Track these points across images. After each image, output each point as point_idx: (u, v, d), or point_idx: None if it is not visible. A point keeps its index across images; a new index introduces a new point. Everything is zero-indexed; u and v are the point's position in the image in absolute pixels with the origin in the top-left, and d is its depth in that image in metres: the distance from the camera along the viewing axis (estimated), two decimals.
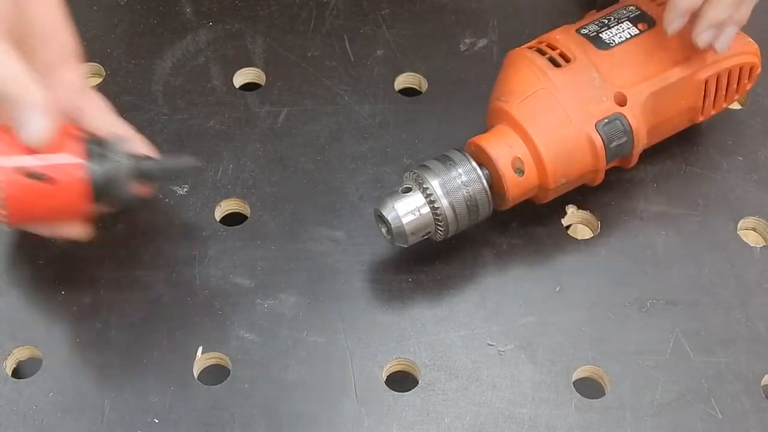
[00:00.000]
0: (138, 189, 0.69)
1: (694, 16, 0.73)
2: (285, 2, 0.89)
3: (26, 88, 0.65)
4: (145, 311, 0.72)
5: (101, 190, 0.67)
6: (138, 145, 0.70)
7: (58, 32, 0.71)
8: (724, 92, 0.77)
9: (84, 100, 0.72)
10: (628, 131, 0.73)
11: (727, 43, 0.75)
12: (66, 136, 0.66)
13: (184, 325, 0.71)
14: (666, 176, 0.79)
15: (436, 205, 0.70)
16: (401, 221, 0.70)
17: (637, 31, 0.76)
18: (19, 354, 0.70)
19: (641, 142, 0.74)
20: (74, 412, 0.68)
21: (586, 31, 0.76)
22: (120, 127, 0.72)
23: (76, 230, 0.70)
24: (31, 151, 0.65)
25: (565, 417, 0.68)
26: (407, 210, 0.70)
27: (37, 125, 0.65)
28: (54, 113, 0.65)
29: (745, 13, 0.74)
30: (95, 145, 0.67)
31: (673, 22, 0.73)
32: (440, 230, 0.71)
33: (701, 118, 0.78)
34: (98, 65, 0.85)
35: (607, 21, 0.76)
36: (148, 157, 0.70)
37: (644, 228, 0.77)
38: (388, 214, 0.70)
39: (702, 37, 0.74)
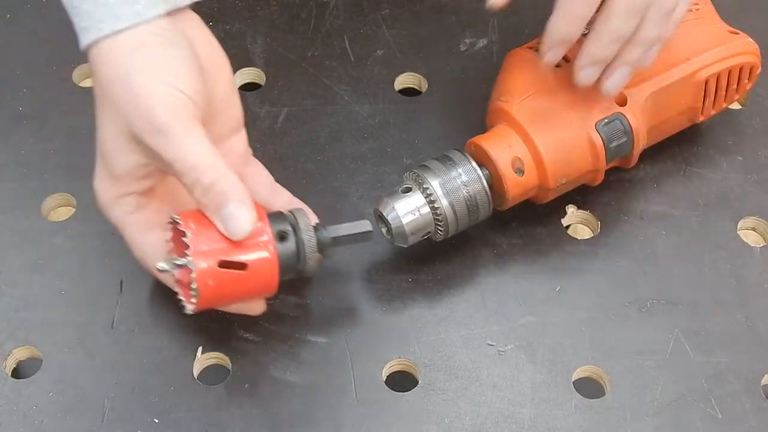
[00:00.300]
0: (317, 258, 0.68)
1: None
2: (285, 2, 0.89)
3: (232, 181, 0.64)
4: (146, 311, 0.72)
5: (288, 269, 0.67)
6: (305, 211, 0.70)
7: (231, 103, 0.71)
8: (724, 92, 0.77)
9: (248, 168, 0.72)
10: (628, 131, 0.73)
11: (616, 87, 0.71)
12: None
13: (184, 325, 0.71)
14: (666, 176, 0.79)
15: (436, 205, 0.70)
16: (401, 221, 0.70)
17: None
18: (19, 354, 0.70)
19: (641, 142, 0.74)
20: (74, 412, 0.68)
21: (586, 31, 0.76)
22: (280, 193, 0.73)
23: (256, 307, 0.70)
24: (222, 237, 0.65)
25: (565, 417, 0.68)
26: (407, 210, 0.70)
27: (243, 220, 0.64)
28: (252, 204, 0.65)
29: (640, 54, 0.70)
30: (278, 223, 0.67)
31: (547, 52, 0.70)
32: (440, 230, 0.71)
33: (701, 118, 0.78)
34: None
35: None
36: (322, 227, 0.69)
37: (644, 228, 0.77)
38: (388, 214, 0.70)
39: (581, 74, 0.70)
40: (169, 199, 0.70)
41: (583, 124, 0.72)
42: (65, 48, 0.85)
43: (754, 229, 0.77)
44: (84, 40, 0.66)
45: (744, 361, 0.70)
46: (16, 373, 0.70)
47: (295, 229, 0.67)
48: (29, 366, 0.70)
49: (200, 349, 0.70)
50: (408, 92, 0.85)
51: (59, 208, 0.78)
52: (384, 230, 0.72)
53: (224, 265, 0.65)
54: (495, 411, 0.68)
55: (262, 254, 0.65)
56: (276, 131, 0.81)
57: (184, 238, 0.64)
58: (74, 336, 0.71)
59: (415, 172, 0.71)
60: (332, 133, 0.81)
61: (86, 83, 0.84)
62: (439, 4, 0.89)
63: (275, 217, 0.67)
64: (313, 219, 0.71)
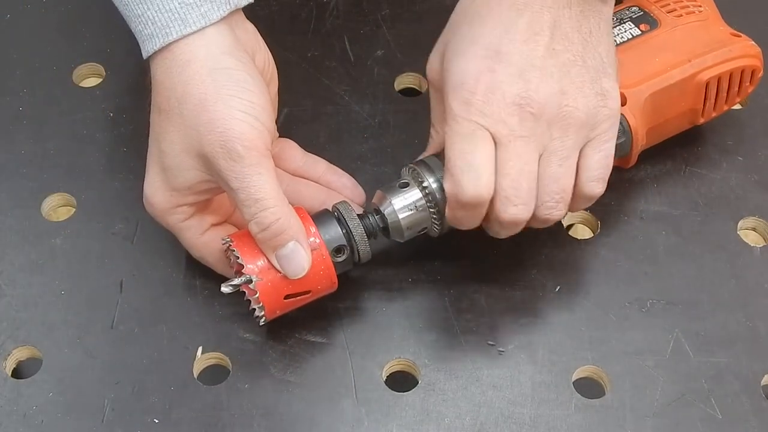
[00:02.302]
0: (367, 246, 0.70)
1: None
2: (285, 2, 0.89)
3: (290, 220, 0.66)
4: (145, 311, 0.72)
5: (345, 271, 0.70)
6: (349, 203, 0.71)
7: (275, 103, 0.73)
8: (725, 95, 0.77)
9: (278, 144, 0.74)
10: (627, 131, 0.73)
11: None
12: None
13: (184, 325, 0.71)
14: (666, 176, 0.79)
15: (432, 200, 0.70)
16: (397, 216, 0.70)
17: (639, 32, 0.76)
18: (19, 354, 0.70)
19: (640, 142, 0.74)
20: (74, 412, 0.68)
21: None
22: (316, 162, 0.75)
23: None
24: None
25: (566, 417, 0.68)
26: (404, 205, 0.70)
27: (299, 261, 0.66)
28: (307, 242, 0.66)
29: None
30: (329, 229, 0.68)
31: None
32: (436, 226, 0.71)
33: (702, 120, 0.78)
34: (98, 65, 0.85)
35: None
36: (367, 214, 0.71)
37: (644, 228, 0.76)
38: (385, 209, 0.70)
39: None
40: (221, 202, 0.71)
41: None
42: (65, 48, 0.86)
43: (754, 229, 0.77)
44: (149, 48, 0.66)
45: (744, 361, 0.70)
46: (16, 374, 0.70)
47: (348, 231, 0.69)
48: (29, 366, 0.70)
49: (200, 349, 0.70)
50: (408, 92, 0.85)
51: (59, 208, 0.78)
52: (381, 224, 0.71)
53: (289, 296, 0.67)
54: (495, 411, 0.68)
55: (323, 275, 0.68)
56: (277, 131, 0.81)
57: (250, 285, 0.66)
58: (74, 336, 0.71)
59: (412, 168, 0.71)
60: (332, 133, 0.81)
61: (86, 83, 0.85)
62: (439, 4, 0.89)
63: (324, 221, 0.68)
64: (359, 196, 0.74)
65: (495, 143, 0.66)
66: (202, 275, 0.73)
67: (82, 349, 0.70)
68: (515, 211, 0.66)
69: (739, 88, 0.77)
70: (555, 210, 0.68)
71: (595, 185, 0.68)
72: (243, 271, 0.66)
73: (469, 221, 0.68)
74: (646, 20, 0.76)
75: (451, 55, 0.68)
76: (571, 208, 0.69)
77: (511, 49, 0.65)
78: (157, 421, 0.67)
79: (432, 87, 0.71)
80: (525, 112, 0.65)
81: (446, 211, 0.69)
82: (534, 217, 0.68)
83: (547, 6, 0.66)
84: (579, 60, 0.66)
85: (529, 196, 0.66)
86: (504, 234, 0.69)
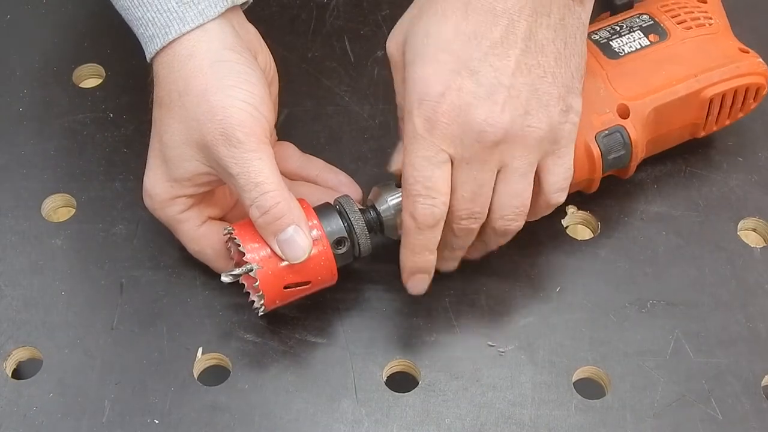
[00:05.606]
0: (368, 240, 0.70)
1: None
2: (285, 3, 0.89)
3: (291, 205, 0.66)
4: (146, 311, 0.72)
5: (345, 264, 0.70)
6: (340, 180, 0.72)
7: (275, 105, 0.73)
8: (728, 111, 0.76)
9: (277, 147, 0.75)
10: (627, 144, 0.72)
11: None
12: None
13: (184, 325, 0.71)
14: (666, 177, 0.79)
15: None
16: (392, 212, 0.70)
17: (648, 43, 0.75)
18: (19, 355, 0.70)
19: (639, 155, 0.74)
20: (74, 413, 0.68)
21: (597, 37, 0.75)
22: (313, 161, 0.76)
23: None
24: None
25: (566, 418, 0.68)
26: (399, 201, 0.70)
27: (300, 246, 0.66)
28: (308, 227, 0.67)
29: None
30: (330, 221, 0.68)
31: (407, 283, 0.70)
32: None
33: (702, 134, 0.77)
34: (98, 65, 0.85)
35: (618, 28, 0.76)
36: (368, 208, 0.71)
37: (644, 229, 0.76)
38: (380, 206, 0.70)
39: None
40: (220, 195, 0.71)
41: (582, 133, 0.71)
42: (65, 49, 0.86)
43: (754, 230, 0.77)
44: (151, 49, 0.67)
45: (744, 361, 0.70)
46: (17, 374, 0.70)
47: (349, 224, 0.69)
48: (29, 367, 0.70)
49: (200, 349, 0.70)
50: None
51: (59, 209, 0.78)
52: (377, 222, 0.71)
53: (289, 286, 0.67)
54: (495, 412, 0.68)
55: (323, 266, 0.68)
56: (276, 132, 0.81)
57: (251, 273, 0.66)
58: (74, 337, 0.71)
59: None
60: (332, 133, 0.81)
61: (86, 84, 0.85)
62: None
63: (325, 213, 0.69)
64: (356, 193, 0.74)
65: (453, 162, 0.65)
66: (203, 276, 0.73)
67: (83, 349, 0.70)
68: (465, 223, 0.67)
69: (742, 104, 0.76)
70: (514, 222, 0.68)
71: (560, 195, 0.69)
72: (244, 259, 0.67)
73: (423, 242, 0.67)
74: (655, 30, 0.75)
75: (415, 49, 0.65)
76: (531, 217, 0.69)
77: (481, 66, 0.63)
78: (157, 421, 0.67)
79: (392, 65, 0.69)
80: (488, 137, 0.64)
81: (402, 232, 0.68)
82: (492, 229, 0.68)
83: (526, 14, 0.63)
84: (549, 76, 0.64)
85: (480, 212, 0.67)
86: (457, 243, 0.69)
